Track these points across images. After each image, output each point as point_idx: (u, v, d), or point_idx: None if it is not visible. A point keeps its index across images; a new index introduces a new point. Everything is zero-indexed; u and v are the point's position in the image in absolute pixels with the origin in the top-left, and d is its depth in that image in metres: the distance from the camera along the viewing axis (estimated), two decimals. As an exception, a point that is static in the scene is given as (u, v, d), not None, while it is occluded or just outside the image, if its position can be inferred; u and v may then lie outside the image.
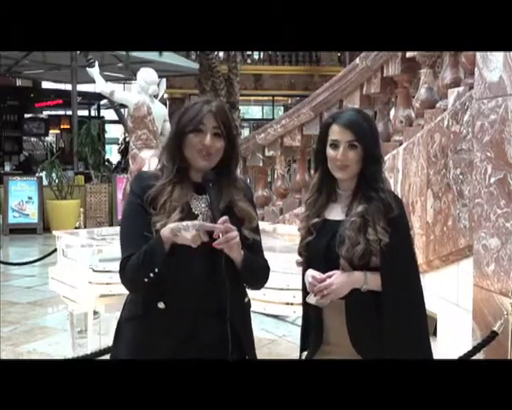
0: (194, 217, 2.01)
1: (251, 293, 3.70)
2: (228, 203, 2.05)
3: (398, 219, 2.08)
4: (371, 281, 2.06)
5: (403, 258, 2.10)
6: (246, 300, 2.19)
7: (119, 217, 6.10)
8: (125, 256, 1.99)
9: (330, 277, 2.05)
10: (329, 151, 2.12)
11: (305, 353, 2.27)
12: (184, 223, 1.93)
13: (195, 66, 14.45)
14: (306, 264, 2.21)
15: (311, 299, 2.10)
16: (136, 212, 2.01)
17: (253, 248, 2.09)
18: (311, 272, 2.12)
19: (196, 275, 2.00)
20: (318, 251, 2.14)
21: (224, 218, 1.94)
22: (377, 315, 2.06)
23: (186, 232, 1.91)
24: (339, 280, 2.05)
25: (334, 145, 2.10)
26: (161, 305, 1.99)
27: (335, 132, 2.11)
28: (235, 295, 2.05)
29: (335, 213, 2.16)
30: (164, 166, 2.06)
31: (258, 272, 2.14)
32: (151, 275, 1.94)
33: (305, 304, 2.23)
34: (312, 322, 2.22)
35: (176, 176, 2.03)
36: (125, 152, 14.88)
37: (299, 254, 2.25)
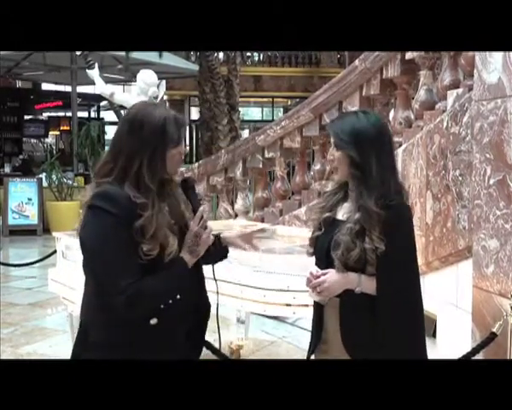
0: (172, 226, 2.00)
1: (251, 294, 3.71)
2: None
3: (392, 227, 2.06)
4: (365, 284, 2.08)
5: (397, 265, 2.08)
6: None
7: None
8: (130, 282, 1.85)
9: (325, 274, 2.08)
10: None
11: None
12: (191, 241, 1.98)
13: (195, 68, 14.47)
14: (315, 258, 2.26)
15: (311, 294, 2.15)
16: (124, 234, 1.87)
17: None
18: (310, 268, 2.16)
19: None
20: (322, 248, 2.18)
21: (202, 209, 2.04)
22: (370, 318, 2.08)
23: (203, 246, 2.00)
24: (331, 279, 2.08)
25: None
26: (154, 321, 1.94)
27: None
28: (205, 291, 2.17)
29: (343, 214, 2.20)
30: (144, 185, 1.92)
31: None
32: (170, 302, 1.95)
33: (314, 305, 2.27)
34: (314, 320, 2.26)
35: (158, 197, 1.95)
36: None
37: (310, 245, 2.30)
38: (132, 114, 2.01)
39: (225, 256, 2.32)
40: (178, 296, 1.96)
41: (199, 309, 2.10)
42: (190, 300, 2.03)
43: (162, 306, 1.94)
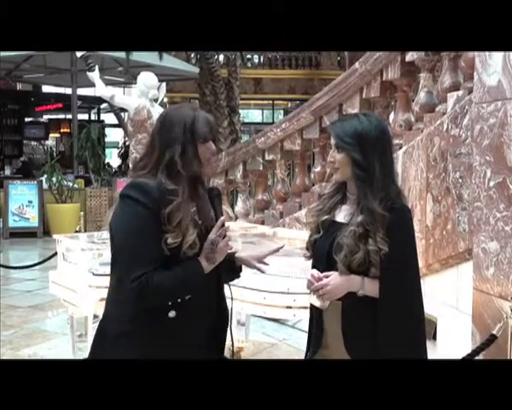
0: (199, 227, 2.05)
1: (252, 297, 3.70)
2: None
3: (395, 228, 2.06)
4: (368, 287, 2.07)
5: (400, 267, 2.08)
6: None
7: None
8: (144, 272, 1.91)
9: (328, 277, 2.06)
10: None
11: None
12: (208, 248, 2.01)
13: (195, 70, 14.48)
14: (312, 263, 2.24)
15: (312, 299, 2.13)
16: (152, 225, 1.94)
17: None
18: (311, 271, 2.15)
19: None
20: (322, 251, 2.17)
21: (223, 219, 2.07)
22: (373, 320, 2.07)
23: (219, 254, 2.03)
24: (334, 282, 2.06)
25: (331, 148, 2.19)
26: (172, 314, 2.00)
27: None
28: (224, 296, 2.20)
29: (342, 216, 2.19)
30: (176, 175, 2.00)
31: None
32: (179, 300, 1.99)
33: (311, 308, 2.26)
34: (314, 325, 2.24)
35: (189, 189, 2.04)
36: (125, 156, 14.92)
37: (306, 248, 2.29)
38: (165, 114, 2.13)
39: (238, 276, 2.35)
40: (188, 297, 1.99)
41: (219, 311, 2.15)
42: (209, 301, 2.09)
43: (170, 303, 1.98)
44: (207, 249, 2.01)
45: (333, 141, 2.16)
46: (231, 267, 2.27)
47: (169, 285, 1.95)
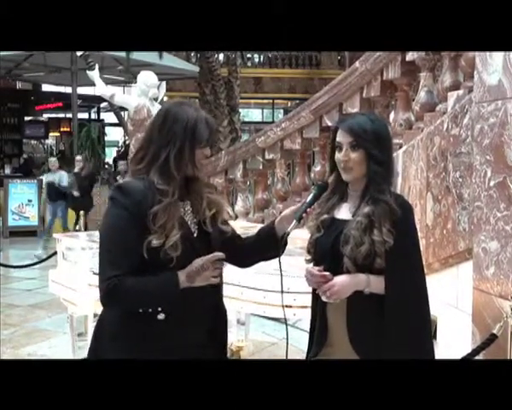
0: (187, 225, 2.04)
1: (252, 296, 3.69)
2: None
3: (402, 223, 2.08)
4: (374, 284, 2.07)
5: (406, 262, 2.09)
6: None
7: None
8: (116, 274, 1.90)
9: (328, 278, 2.06)
10: (336, 154, 2.17)
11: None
12: (195, 268, 1.95)
13: (195, 69, 14.50)
14: (314, 261, 2.23)
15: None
16: (130, 228, 1.93)
17: (235, 236, 2.24)
18: (309, 267, 2.16)
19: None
20: (325, 249, 2.16)
21: (222, 255, 2.01)
22: (378, 317, 2.07)
23: (201, 279, 1.96)
24: (341, 282, 2.06)
25: (339, 147, 2.15)
26: (161, 316, 1.98)
27: (339, 135, 2.16)
28: (222, 296, 2.19)
29: (344, 213, 2.19)
30: (168, 175, 1.99)
31: None
32: (150, 310, 1.97)
33: (313, 305, 2.26)
34: (318, 322, 2.24)
35: (180, 193, 2.02)
36: (124, 155, 14.92)
37: (308, 251, 2.28)
38: (167, 110, 2.08)
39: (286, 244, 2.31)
40: (160, 309, 1.96)
41: (217, 312, 2.14)
42: (207, 301, 2.06)
43: (140, 310, 1.97)
44: (193, 269, 1.95)
45: (347, 139, 2.12)
46: (282, 241, 2.24)
47: (139, 292, 1.93)
